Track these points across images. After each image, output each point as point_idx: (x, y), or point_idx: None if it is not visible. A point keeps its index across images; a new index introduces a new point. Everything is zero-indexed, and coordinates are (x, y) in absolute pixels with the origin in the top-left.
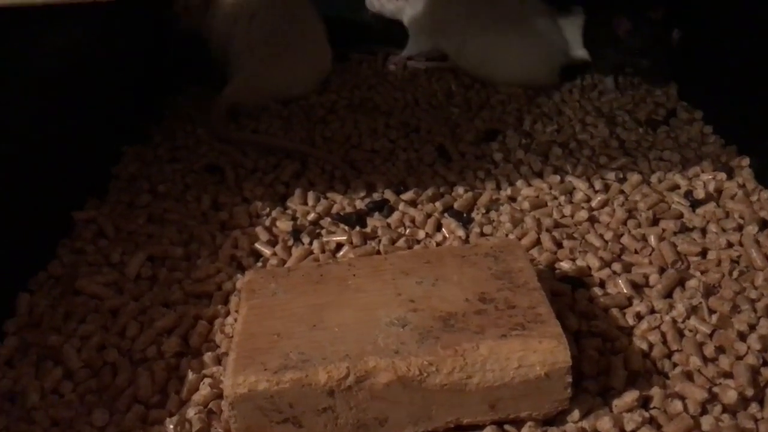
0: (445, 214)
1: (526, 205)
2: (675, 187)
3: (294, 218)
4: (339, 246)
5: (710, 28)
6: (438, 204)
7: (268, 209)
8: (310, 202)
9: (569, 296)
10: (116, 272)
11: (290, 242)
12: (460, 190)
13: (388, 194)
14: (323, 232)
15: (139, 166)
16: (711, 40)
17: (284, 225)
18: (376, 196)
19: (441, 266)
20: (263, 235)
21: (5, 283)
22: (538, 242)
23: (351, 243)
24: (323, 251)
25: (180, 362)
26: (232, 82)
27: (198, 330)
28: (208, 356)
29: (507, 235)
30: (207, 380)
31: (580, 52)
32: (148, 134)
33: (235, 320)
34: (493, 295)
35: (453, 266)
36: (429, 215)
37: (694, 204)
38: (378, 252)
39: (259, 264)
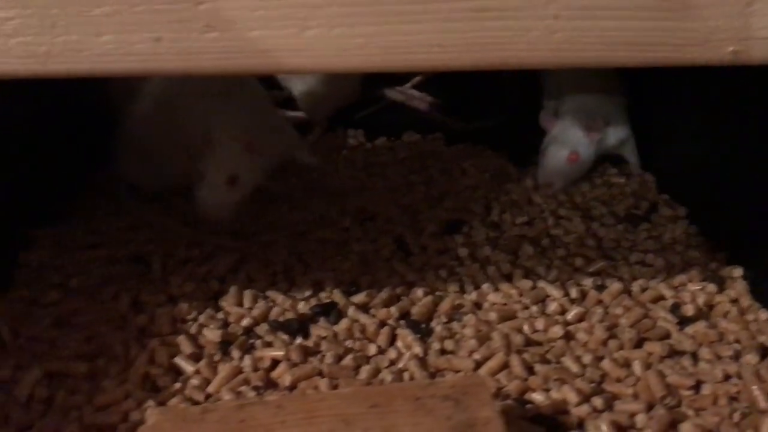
0: (401, 322)
1: (493, 315)
2: (660, 299)
3: (226, 324)
4: (275, 363)
5: (687, 113)
6: (393, 309)
7: (195, 312)
8: (246, 303)
9: None
10: (2, 393)
11: (217, 357)
12: (419, 292)
13: (337, 295)
14: (258, 343)
15: (52, 253)
16: (689, 127)
17: (212, 334)
18: (323, 296)
19: (390, 413)
20: (186, 347)
21: None
22: (506, 365)
23: (289, 360)
24: (255, 369)
25: None
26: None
27: None
28: None
29: (471, 354)
30: None
31: None
32: (65, 214)
33: None
34: None
35: (404, 413)
36: (383, 323)
37: (683, 321)
38: (320, 373)
39: (178, 384)
